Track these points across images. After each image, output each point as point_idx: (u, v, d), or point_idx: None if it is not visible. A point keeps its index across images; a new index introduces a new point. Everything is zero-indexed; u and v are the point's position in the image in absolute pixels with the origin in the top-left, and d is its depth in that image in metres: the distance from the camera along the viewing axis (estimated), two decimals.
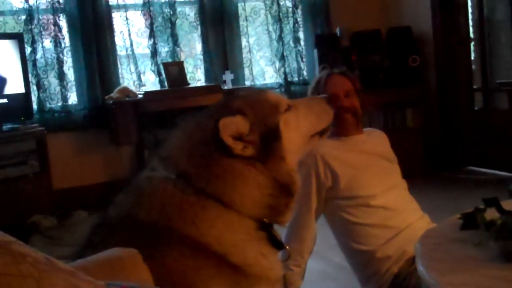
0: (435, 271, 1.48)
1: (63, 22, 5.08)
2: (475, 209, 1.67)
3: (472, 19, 5.58)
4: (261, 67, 5.88)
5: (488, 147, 5.19)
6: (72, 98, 5.16)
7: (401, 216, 2.47)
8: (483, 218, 1.63)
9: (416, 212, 2.55)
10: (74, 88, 5.15)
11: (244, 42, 5.64)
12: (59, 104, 5.05)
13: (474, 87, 5.58)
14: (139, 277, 1.17)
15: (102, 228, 1.44)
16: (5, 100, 4.47)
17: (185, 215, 1.36)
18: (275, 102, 1.52)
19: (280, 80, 5.74)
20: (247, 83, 5.61)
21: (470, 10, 5.59)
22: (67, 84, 5.08)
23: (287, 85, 5.72)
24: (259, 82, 5.74)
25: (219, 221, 1.37)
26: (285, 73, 5.73)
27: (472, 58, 5.61)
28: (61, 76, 5.03)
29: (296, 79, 5.77)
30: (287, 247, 1.55)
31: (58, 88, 5.04)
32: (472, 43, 5.60)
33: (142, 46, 5.42)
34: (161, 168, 1.43)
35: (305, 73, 5.82)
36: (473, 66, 5.61)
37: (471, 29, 5.60)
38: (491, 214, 1.65)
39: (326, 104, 1.67)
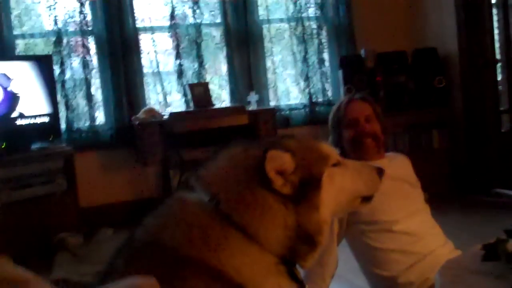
0: None
1: (91, 43, 5.20)
2: (497, 240, 1.66)
3: (499, 40, 5.54)
4: (286, 88, 5.91)
5: None
6: (100, 118, 5.25)
7: (423, 242, 2.46)
8: (505, 249, 1.62)
9: (439, 238, 2.53)
10: (101, 108, 5.25)
11: (269, 63, 5.68)
12: (87, 124, 5.14)
13: (501, 109, 5.52)
14: None
15: (127, 251, 1.46)
16: (34, 120, 4.55)
17: (208, 242, 1.37)
18: (326, 154, 1.52)
19: (304, 100, 5.75)
20: (272, 103, 5.64)
21: (496, 31, 5.55)
22: (94, 104, 5.17)
23: (311, 106, 5.73)
24: (283, 102, 5.77)
25: (240, 252, 1.37)
26: (309, 93, 5.74)
27: (499, 79, 5.56)
28: (89, 96, 5.13)
29: (320, 99, 5.78)
30: (307, 286, 1.55)
31: (85, 108, 5.13)
32: (499, 64, 5.55)
33: (169, 67, 5.50)
34: (197, 188, 1.45)
35: (329, 93, 5.82)
36: (500, 88, 5.56)
37: (497, 50, 5.55)
38: None
39: (376, 174, 1.64)
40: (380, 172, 1.64)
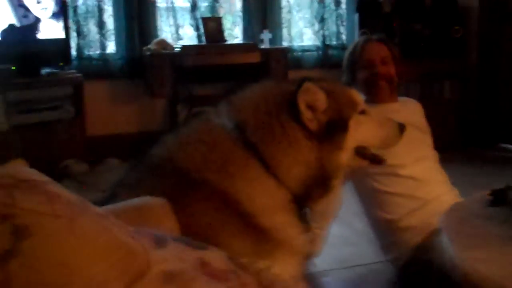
0: (460, 244, 1.48)
1: None
2: (506, 187, 1.66)
3: None
4: (300, 29, 5.81)
5: None
6: (111, 47, 5.18)
7: (428, 187, 2.47)
8: None
9: (444, 185, 2.53)
10: (113, 37, 5.17)
11: (284, 2, 5.57)
12: (97, 52, 5.09)
13: None
14: (166, 226, 1.20)
15: (140, 167, 1.47)
16: (44, 45, 4.52)
17: (226, 167, 1.37)
18: (355, 100, 1.57)
19: (318, 42, 5.66)
20: (285, 43, 5.56)
21: None
22: (106, 32, 5.10)
23: (325, 48, 5.65)
24: (296, 43, 5.68)
25: (257, 182, 1.38)
26: (323, 36, 5.65)
27: None
28: (101, 24, 5.06)
29: (334, 42, 5.69)
30: (313, 230, 1.57)
31: (97, 36, 5.07)
32: None
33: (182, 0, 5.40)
34: (224, 114, 1.46)
35: (344, 37, 5.72)
36: None
37: None
38: None
39: (398, 130, 1.68)
40: (401, 128, 1.68)
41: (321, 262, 2.52)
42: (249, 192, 1.36)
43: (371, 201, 2.55)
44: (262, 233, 1.37)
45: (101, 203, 1.23)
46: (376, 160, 1.66)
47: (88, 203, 0.83)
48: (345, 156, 1.49)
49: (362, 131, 1.54)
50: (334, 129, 1.46)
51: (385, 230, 2.50)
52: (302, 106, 1.41)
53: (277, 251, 1.39)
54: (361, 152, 1.59)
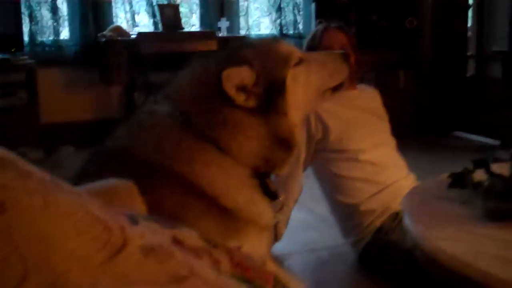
0: (422, 225, 1.51)
1: None
2: (464, 169, 1.70)
3: None
4: (257, 17, 5.81)
5: (476, 114, 5.23)
6: (64, 33, 5.07)
7: (387, 172, 2.52)
8: (472, 178, 1.67)
9: (402, 170, 2.60)
10: (66, 23, 5.06)
11: None
12: (51, 38, 4.96)
13: (468, 54, 5.58)
14: (134, 208, 1.18)
15: (98, 158, 1.45)
16: None
17: (181, 153, 1.36)
18: (285, 54, 1.46)
19: (275, 31, 5.68)
20: (242, 32, 5.55)
21: None
22: (59, 18, 4.98)
23: (282, 37, 5.66)
24: (254, 32, 5.69)
25: (213, 164, 1.37)
26: (281, 25, 5.67)
27: (469, 25, 5.59)
28: (54, 9, 4.93)
29: (291, 32, 5.71)
30: (281, 198, 1.56)
31: (50, 22, 4.94)
32: (470, 10, 5.57)
33: None
34: (165, 104, 1.43)
35: (301, 26, 5.75)
36: (469, 33, 5.60)
37: None
38: (479, 176, 1.68)
39: (342, 60, 1.57)
40: (345, 57, 1.58)
41: (283, 245, 2.54)
42: (207, 174, 1.35)
43: (332, 186, 2.58)
44: (227, 214, 1.36)
45: None
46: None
47: (60, 181, 0.82)
48: (295, 115, 1.44)
49: (304, 82, 1.47)
50: (273, 95, 1.40)
51: (346, 214, 2.54)
52: (232, 93, 1.37)
53: (244, 230, 1.39)
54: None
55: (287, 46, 1.50)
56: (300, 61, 1.48)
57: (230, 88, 1.37)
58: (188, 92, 1.44)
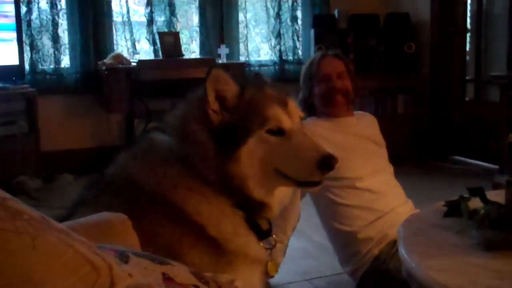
0: (416, 255, 1.51)
1: None
2: (460, 198, 1.71)
3: (471, 11, 5.59)
4: (257, 44, 5.86)
5: (475, 138, 5.24)
6: (65, 61, 5.11)
7: (385, 199, 2.51)
8: (467, 207, 1.67)
9: (400, 197, 2.59)
10: (67, 52, 5.11)
11: (241, 17, 5.61)
12: (52, 66, 5.01)
13: (467, 78, 5.61)
14: (127, 242, 1.19)
15: (96, 185, 1.47)
16: None
17: (169, 180, 1.38)
18: (266, 117, 1.38)
19: (275, 57, 5.73)
20: (242, 58, 5.59)
21: (469, 1, 5.60)
22: (60, 46, 5.03)
23: (281, 63, 5.71)
24: (253, 58, 5.73)
25: (195, 191, 1.37)
26: (280, 51, 5.72)
27: (467, 49, 5.63)
28: (55, 38, 4.99)
29: (291, 57, 5.76)
30: (274, 236, 1.53)
31: (51, 50, 4.99)
32: (469, 35, 5.62)
33: (139, 14, 5.38)
34: (165, 133, 1.47)
35: (300, 52, 5.80)
36: (468, 58, 5.64)
37: (468, 20, 5.61)
38: (475, 203, 1.68)
39: (316, 166, 1.37)
40: (324, 163, 1.38)
41: (281, 275, 2.53)
42: (194, 203, 1.36)
43: (330, 214, 2.57)
44: (216, 244, 1.36)
45: (59, 220, 1.21)
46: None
47: (50, 220, 0.82)
48: (246, 169, 1.36)
49: (260, 152, 1.37)
50: (233, 136, 1.36)
51: (344, 242, 2.53)
52: (210, 93, 1.34)
53: (235, 262, 1.38)
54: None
55: (278, 111, 1.41)
56: (279, 131, 1.39)
57: (211, 88, 1.36)
58: (178, 118, 1.48)
